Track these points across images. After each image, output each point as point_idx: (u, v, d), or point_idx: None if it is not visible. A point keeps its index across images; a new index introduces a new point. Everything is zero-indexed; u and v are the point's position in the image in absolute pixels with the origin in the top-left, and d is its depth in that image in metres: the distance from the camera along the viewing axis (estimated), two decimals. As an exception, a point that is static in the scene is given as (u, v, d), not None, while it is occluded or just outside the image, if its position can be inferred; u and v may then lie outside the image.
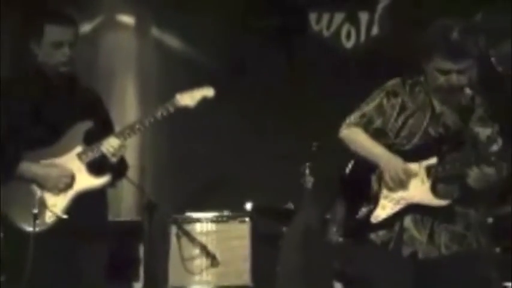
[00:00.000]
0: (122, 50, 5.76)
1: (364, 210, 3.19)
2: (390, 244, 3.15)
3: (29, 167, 3.27)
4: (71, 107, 3.38)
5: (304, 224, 4.84)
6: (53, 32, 3.29)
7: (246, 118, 5.39)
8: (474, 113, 3.21)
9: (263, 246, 4.84)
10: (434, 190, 3.13)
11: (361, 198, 3.24)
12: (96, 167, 3.34)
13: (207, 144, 5.36)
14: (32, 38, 3.33)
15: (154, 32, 5.84)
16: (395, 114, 3.23)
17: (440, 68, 3.11)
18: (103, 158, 3.32)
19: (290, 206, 5.00)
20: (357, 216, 3.21)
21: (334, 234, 4.24)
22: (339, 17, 5.76)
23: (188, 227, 4.63)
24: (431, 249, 3.13)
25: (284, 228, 4.87)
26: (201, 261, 4.60)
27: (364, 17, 5.73)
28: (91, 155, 3.32)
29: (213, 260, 4.58)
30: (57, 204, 3.26)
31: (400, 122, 3.23)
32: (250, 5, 5.65)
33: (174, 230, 4.63)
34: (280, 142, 5.36)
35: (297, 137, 5.20)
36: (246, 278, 4.65)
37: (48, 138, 3.31)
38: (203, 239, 4.62)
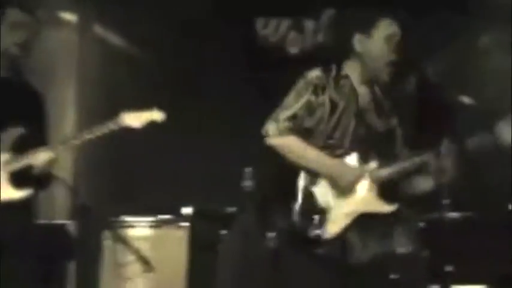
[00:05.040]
0: (63, 47, 5.61)
1: (314, 224, 3.01)
2: (335, 254, 3.05)
3: None
4: (8, 102, 3.21)
5: (244, 228, 4.78)
6: (14, 13, 3.24)
7: (186, 119, 5.30)
8: (384, 106, 3.15)
9: (201, 251, 4.76)
10: (381, 196, 3.05)
11: (306, 211, 3.05)
12: (19, 178, 3.16)
13: (144, 145, 5.24)
14: None
15: (97, 29, 5.72)
16: (326, 113, 3.06)
17: (389, 33, 3.02)
18: (28, 169, 3.15)
19: (232, 210, 4.94)
20: (308, 232, 3.02)
21: (273, 240, 4.19)
22: (285, 23, 5.79)
23: (123, 232, 4.53)
24: (365, 253, 3.08)
25: (223, 233, 4.80)
26: (135, 267, 4.48)
27: (309, 25, 5.77)
28: (16, 165, 3.15)
29: (148, 266, 4.47)
30: None
31: (332, 123, 3.07)
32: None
33: (108, 234, 4.52)
34: (220, 145, 5.29)
35: (237, 140, 5.13)
36: (182, 284, 4.59)
37: None
38: (138, 244, 4.51)
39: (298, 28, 5.78)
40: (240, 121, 5.25)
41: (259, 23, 5.78)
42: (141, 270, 4.47)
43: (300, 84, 3.10)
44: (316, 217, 3.02)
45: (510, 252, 4.31)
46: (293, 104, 3.06)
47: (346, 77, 3.12)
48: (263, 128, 3.11)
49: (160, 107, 3.26)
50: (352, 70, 3.13)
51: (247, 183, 4.76)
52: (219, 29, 5.54)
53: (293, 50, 5.79)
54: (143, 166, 5.27)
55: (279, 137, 3.05)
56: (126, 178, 5.24)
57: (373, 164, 3.07)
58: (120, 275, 4.44)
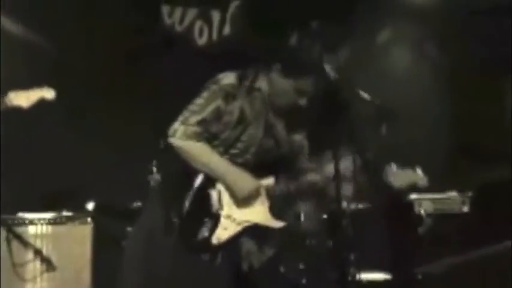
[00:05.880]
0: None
1: (205, 229, 3.04)
2: (229, 261, 3.08)
3: None
4: None
5: (150, 223, 4.66)
6: None
7: (89, 112, 5.13)
8: (295, 120, 3.21)
9: (106, 247, 4.63)
10: (272, 211, 3.11)
11: (200, 215, 3.07)
12: None
13: (44, 138, 5.03)
14: None
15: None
16: (233, 122, 3.11)
17: None
18: None
19: (137, 205, 4.82)
20: (198, 237, 3.04)
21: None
22: (191, 12, 5.71)
23: (20, 230, 4.34)
24: (261, 255, 3.13)
25: (129, 229, 4.69)
26: (35, 267, 4.30)
27: (216, 15, 5.73)
28: None
29: (49, 265, 4.31)
30: None
31: (237, 133, 3.12)
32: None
33: (3, 233, 4.31)
34: (126, 138, 5.15)
35: (144, 134, 5.00)
36: (85, 283, 4.45)
37: None
38: (38, 243, 4.32)
39: (205, 18, 5.70)
40: (147, 114, 5.12)
41: (165, 10, 5.66)
42: (42, 269, 4.32)
43: (212, 88, 3.11)
44: (207, 220, 3.04)
45: (406, 240, 4.55)
46: (203, 108, 3.09)
47: (259, 90, 3.14)
48: (169, 128, 3.11)
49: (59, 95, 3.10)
50: (266, 84, 3.15)
51: (153, 178, 4.65)
52: (121, 14, 5.37)
53: (200, 41, 5.70)
54: (43, 159, 5.03)
55: (186, 141, 3.07)
56: (25, 171, 4.99)
57: (270, 180, 3.12)
58: (19, 276, 4.23)
